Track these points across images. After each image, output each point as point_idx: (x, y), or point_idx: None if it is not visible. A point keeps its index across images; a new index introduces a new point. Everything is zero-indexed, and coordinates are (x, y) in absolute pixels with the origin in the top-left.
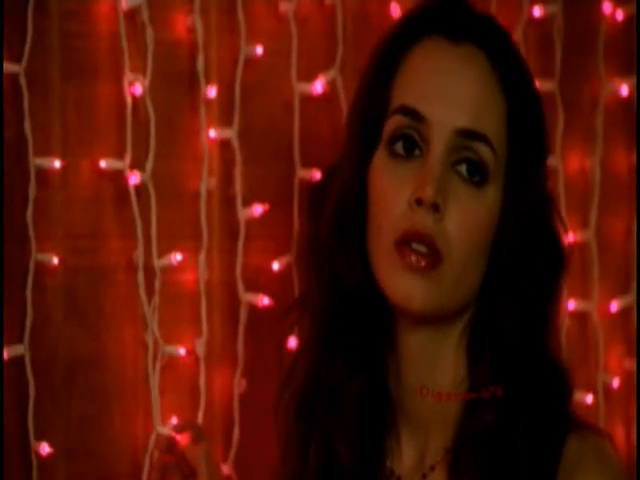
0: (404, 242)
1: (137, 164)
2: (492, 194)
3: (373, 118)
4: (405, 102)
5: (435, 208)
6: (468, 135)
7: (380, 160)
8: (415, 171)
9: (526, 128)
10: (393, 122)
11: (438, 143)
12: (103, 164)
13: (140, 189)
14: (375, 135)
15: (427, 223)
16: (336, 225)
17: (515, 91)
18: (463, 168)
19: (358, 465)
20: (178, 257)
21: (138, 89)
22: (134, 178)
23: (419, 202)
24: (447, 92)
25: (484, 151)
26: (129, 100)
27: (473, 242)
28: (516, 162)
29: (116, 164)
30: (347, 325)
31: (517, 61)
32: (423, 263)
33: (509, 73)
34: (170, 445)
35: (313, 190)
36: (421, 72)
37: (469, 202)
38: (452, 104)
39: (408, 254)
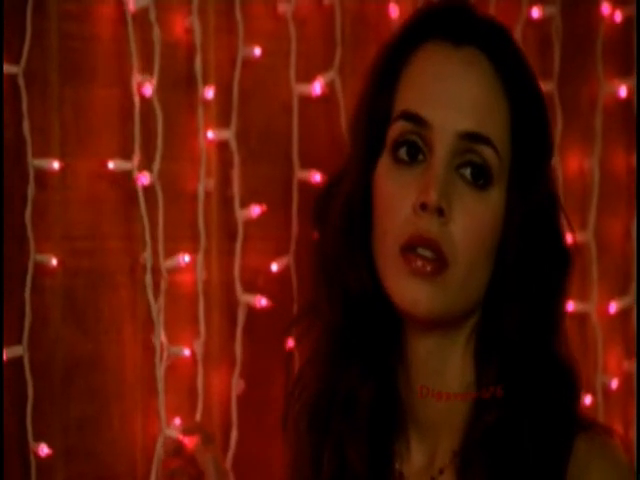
0: (409, 247)
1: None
2: (496, 196)
3: (377, 124)
4: (408, 107)
5: (440, 212)
6: (471, 138)
7: (384, 166)
8: (419, 176)
9: (530, 130)
10: (396, 128)
11: (441, 147)
12: (111, 165)
13: (142, 190)
14: (379, 141)
15: (432, 228)
16: (342, 232)
17: (518, 93)
18: (467, 171)
19: (370, 470)
20: (186, 258)
21: (148, 90)
22: (143, 179)
23: (423, 207)
24: (449, 96)
25: (488, 154)
26: (137, 101)
27: (478, 245)
28: (520, 164)
29: (124, 165)
30: (357, 333)
31: (520, 63)
32: (429, 268)
33: (512, 75)
34: (178, 449)
35: (319, 197)
36: (423, 77)
37: (474, 205)
38: (454, 108)
39: (414, 259)
